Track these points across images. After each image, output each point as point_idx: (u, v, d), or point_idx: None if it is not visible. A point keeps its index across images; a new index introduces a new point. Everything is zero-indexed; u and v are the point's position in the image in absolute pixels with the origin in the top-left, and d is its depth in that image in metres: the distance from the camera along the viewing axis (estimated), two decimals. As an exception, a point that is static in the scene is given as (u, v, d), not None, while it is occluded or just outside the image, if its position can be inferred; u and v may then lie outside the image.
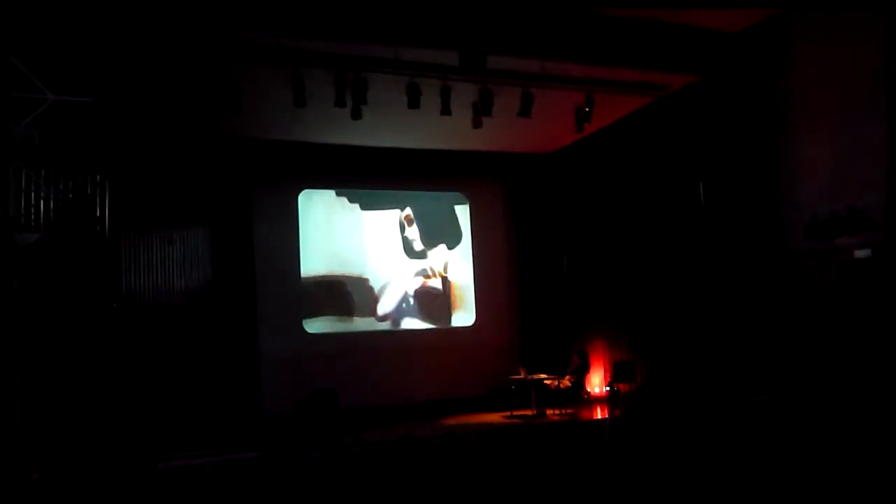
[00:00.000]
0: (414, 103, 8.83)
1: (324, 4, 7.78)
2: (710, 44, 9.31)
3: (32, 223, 6.44)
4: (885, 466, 6.38)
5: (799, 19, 8.59)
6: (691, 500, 7.10)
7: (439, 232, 13.47)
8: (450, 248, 13.54)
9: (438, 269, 13.42)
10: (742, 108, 9.31)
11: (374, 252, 12.95)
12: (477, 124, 9.53)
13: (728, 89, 9.44)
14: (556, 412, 10.82)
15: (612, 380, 11.29)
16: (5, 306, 6.06)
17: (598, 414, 10.88)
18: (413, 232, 13.25)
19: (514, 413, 10.93)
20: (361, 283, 12.84)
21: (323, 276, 12.57)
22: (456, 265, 13.55)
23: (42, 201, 6.63)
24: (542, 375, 11.22)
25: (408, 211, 13.23)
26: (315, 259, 12.55)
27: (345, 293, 12.70)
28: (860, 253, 7.68)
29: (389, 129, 11.04)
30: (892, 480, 6.22)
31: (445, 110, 9.07)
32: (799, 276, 8.44)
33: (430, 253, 13.36)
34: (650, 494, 7.34)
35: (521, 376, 11.13)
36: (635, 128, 11.20)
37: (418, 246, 13.27)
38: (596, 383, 12.20)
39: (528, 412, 10.84)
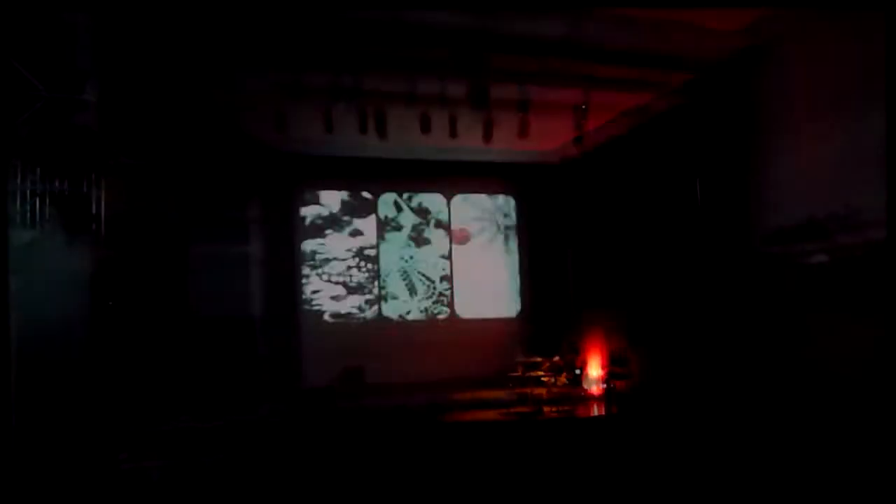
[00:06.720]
0: (426, 129, 9.92)
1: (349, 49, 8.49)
2: (707, 44, 9.32)
3: (28, 221, 6.44)
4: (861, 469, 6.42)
5: (793, 19, 8.59)
6: (689, 498, 7.14)
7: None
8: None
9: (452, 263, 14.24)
10: (734, 111, 9.34)
11: (390, 252, 13.95)
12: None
13: (723, 92, 9.45)
14: (554, 409, 10.83)
15: (610, 377, 11.30)
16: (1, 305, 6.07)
17: (596, 411, 10.89)
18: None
19: (511, 410, 10.94)
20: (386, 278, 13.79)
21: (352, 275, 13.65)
22: (467, 259, 14.38)
23: (38, 199, 6.63)
24: (540, 372, 11.23)
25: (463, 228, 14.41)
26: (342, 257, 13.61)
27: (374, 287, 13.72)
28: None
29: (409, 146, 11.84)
30: (880, 479, 6.27)
31: (453, 134, 10.09)
32: (771, 280, 8.49)
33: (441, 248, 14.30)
34: (647, 491, 7.38)
35: (519, 373, 11.14)
36: (634, 134, 11.37)
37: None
38: (594, 380, 12.22)
39: (526, 409, 10.85)
